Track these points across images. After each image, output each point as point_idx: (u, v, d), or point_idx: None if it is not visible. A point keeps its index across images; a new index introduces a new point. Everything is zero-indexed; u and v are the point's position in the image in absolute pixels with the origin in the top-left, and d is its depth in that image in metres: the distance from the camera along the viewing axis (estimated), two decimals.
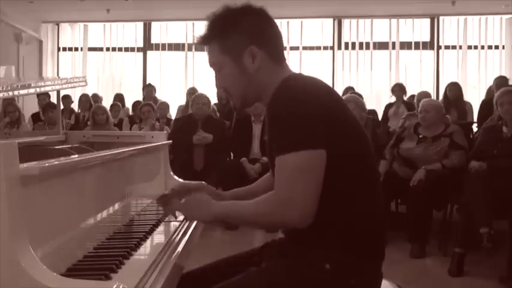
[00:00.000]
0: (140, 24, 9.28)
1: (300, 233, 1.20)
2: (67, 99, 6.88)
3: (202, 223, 1.62)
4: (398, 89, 6.55)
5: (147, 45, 9.32)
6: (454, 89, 6.01)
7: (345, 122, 1.27)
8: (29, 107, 7.67)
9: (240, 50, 1.31)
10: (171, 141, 2.39)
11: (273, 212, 1.20)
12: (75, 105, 7.63)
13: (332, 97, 1.28)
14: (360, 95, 5.56)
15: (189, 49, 9.03)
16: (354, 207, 1.25)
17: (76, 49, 9.48)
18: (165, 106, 6.20)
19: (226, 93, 1.45)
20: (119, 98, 7.72)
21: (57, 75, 9.21)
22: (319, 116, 1.20)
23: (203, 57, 1.43)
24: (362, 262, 1.24)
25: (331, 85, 1.51)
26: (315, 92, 1.25)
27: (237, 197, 1.60)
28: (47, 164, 1.05)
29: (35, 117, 6.77)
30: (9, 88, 1.94)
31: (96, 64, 9.53)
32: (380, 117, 6.43)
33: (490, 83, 6.85)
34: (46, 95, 6.36)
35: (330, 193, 1.19)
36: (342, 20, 8.83)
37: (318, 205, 1.17)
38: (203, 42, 1.38)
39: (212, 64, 1.39)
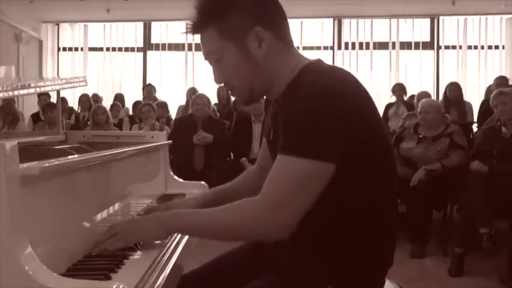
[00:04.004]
0: (140, 24, 9.28)
1: (304, 248, 1.12)
2: (62, 101, 6.87)
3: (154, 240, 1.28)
4: (399, 89, 6.56)
5: (147, 45, 9.32)
6: (454, 89, 6.02)
7: (375, 132, 1.12)
8: (29, 107, 7.67)
9: (243, 33, 1.12)
10: (171, 141, 2.39)
11: (259, 217, 1.05)
12: (75, 105, 7.64)
13: (361, 100, 1.11)
14: None
15: (189, 49, 9.03)
16: (367, 231, 1.13)
17: (76, 49, 9.48)
18: (164, 106, 6.20)
19: (227, 87, 1.22)
20: (119, 98, 7.72)
21: (57, 75, 9.21)
22: (345, 123, 1.04)
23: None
24: (366, 282, 1.17)
25: None
26: (345, 92, 1.07)
27: (205, 203, 1.45)
28: (47, 164, 1.05)
29: (35, 117, 6.77)
30: (9, 88, 1.94)
31: (96, 64, 9.53)
32: None
33: (490, 83, 6.85)
34: (46, 95, 6.36)
35: (343, 213, 1.08)
36: (342, 20, 8.83)
37: (329, 223, 1.08)
38: (197, 29, 1.16)
39: (209, 54, 1.17)
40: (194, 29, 1.17)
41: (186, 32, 1.19)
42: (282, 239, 1.07)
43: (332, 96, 1.04)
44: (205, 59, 1.20)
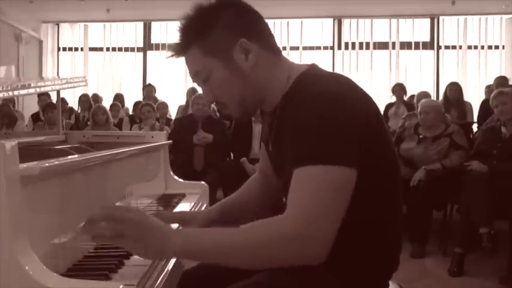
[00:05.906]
0: (140, 24, 9.29)
1: None
2: (62, 101, 6.87)
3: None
4: (399, 89, 6.56)
5: (147, 45, 9.33)
6: (454, 89, 6.02)
7: (379, 135, 1.10)
8: (29, 107, 7.67)
9: (228, 47, 1.10)
10: (171, 141, 2.39)
11: (289, 235, 0.95)
12: (75, 105, 7.64)
13: (366, 105, 1.08)
14: None
15: None
16: (371, 236, 1.11)
17: (76, 49, 9.49)
18: (164, 106, 6.19)
19: (219, 105, 1.18)
20: (119, 98, 7.72)
21: (57, 75, 9.21)
22: (357, 125, 1.01)
23: None
24: (370, 285, 1.16)
25: None
26: (351, 95, 1.05)
27: (211, 218, 1.37)
28: (47, 164, 1.05)
29: (35, 117, 6.76)
30: (9, 88, 1.94)
31: (96, 64, 9.53)
32: None
33: (490, 82, 6.86)
34: (46, 95, 6.36)
35: (347, 219, 1.02)
36: (342, 20, 8.84)
37: (339, 230, 0.99)
38: (181, 51, 1.14)
39: (196, 74, 1.15)
40: (178, 51, 1.15)
41: (170, 56, 1.17)
42: (319, 261, 0.97)
43: (339, 102, 1.02)
44: (193, 80, 1.18)
